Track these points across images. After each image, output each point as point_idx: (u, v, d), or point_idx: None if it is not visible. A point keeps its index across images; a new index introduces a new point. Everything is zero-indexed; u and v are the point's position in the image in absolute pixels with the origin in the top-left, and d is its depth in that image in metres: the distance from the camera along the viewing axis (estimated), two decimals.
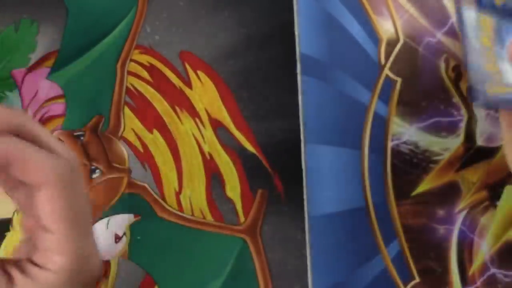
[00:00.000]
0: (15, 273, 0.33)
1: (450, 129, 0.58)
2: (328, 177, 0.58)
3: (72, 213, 0.33)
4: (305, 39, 0.60)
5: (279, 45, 0.60)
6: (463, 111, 0.59)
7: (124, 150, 0.58)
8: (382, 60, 0.60)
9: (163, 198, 0.57)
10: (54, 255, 0.33)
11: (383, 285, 0.55)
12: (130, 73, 0.60)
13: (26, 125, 0.33)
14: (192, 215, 0.56)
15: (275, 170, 0.57)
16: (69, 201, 0.33)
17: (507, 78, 0.39)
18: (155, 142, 0.58)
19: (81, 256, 0.34)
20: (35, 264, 0.33)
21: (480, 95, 0.41)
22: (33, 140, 0.32)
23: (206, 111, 0.59)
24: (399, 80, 0.59)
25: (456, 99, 0.59)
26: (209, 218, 0.56)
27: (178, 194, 0.57)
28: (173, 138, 0.58)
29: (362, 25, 0.60)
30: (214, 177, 0.58)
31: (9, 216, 0.56)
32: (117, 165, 0.57)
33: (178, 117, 0.58)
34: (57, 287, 0.33)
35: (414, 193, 0.58)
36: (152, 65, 0.60)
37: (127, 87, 0.59)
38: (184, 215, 0.56)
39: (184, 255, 0.56)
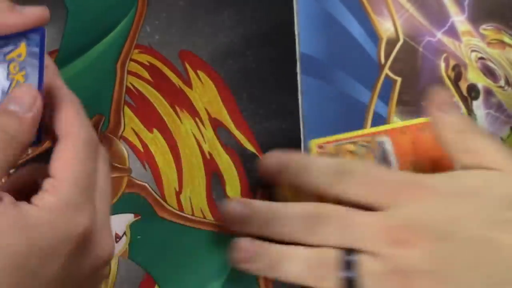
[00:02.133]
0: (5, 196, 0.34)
1: None
2: None
3: (80, 166, 0.35)
4: (305, 38, 0.60)
5: (279, 45, 0.60)
6: (463, 110, 0.59)
7: (124, 149, 0.58)
8: (382, 60, 0.60)
9: (163, 198, 0.57)
10: (45, 194, 0.34)
11: None
12: (130, 72, 0.60)
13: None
14: (192, 214, 0.56)
15: None
16: (83, 157, 0.35)
17: None
18: (155, 141, 0.58)
19: (72, 203, 0.34)
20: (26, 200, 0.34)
21: None
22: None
23: (206, 110, 0.59)
24: (399, 79, 0.59)
25: (456, 99, 0.59)
26: (210, 217, 0.56)
27: (178, 193, 0.57)
28: (173, 138, 0.58)
29: (362, 24, 0.60)
30: (214, 177, 0.58)
31: None
32: (117, 165, 0.57)
33: (178, 116, 0.58)
34: (33, 220, 0.33)
35: None
36: (152, 65, 0.60)
37: (127, 87, 0.59)
38: (184, 214, 0.56)
39: (184, 255, 0.56)
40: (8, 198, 0.34)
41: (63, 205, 0.34)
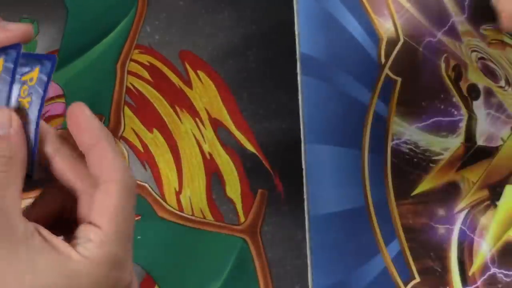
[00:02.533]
0: (51, 237, 0.32)
1: (450, 128, 0.58)
2: (328, 177, 0.58)
3: (123, 215, 0.33)
4: (305, 38, 0.60)
5: (279, 45, 0.60)
6: (463, 110, 0.59)
7: (124, 149, 0.58)
8: (382, 60, 0.60)
9: (163, 198, 0.57)
10: (92, 246, 0.32)
11: (383, 285, 0.55)
12: (130, 72, 0.60)
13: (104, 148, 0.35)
14: (192, 215, 0.56)
15: (275, 170, 0.57)
16: (125, 203, 0.33)
17: None
18: (155, 142, 0.58)
19: (117, 257, 0.33)
20: (70, 243, 0.32)
21: None
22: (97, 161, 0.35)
23: (206, 110, 0.59)
24: (399, 79, 0.59)
25: (456, 99, 0.59)
26: (209, 218, 0.56)
27: (178, 194, 0.57)
28: (173, 138, 0.58)
29: (362, 24, 0.60)
30: (214, 177, 0.58)
31: None
32: None
33: (178, 116, 0.58)
34: (79, 273, 0.32)
35: (414, 193, 0.58)
36: (152, 65, 0.60)
37: (127, 87, 0.59)
38: (184, 215, 0.56)
39: (184, 255, 0.56)
40: (45, 232, 0.32)
41: (110, 261, 0.32)
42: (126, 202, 0.34)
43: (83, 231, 0.33)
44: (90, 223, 0.33)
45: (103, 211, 0.33)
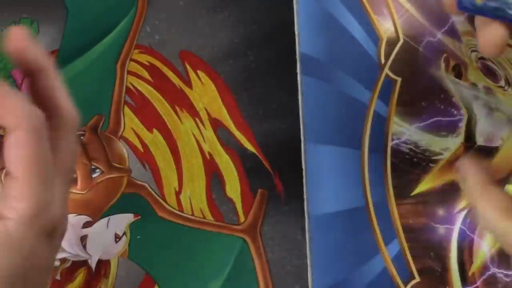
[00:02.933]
0: None
1: (450, 128, 0.58)
2: (328, 177, 0.58)
3: (37, 161, 0.34)
4: (305, 38, 0.60)
5: (279, 45, 0.60)
6: (463, 110, 0.59)
7: (124, 149, 0.58)
8: (382, 60, 0.60)
9: (163, 198, 0.57)
10: (16, 202, 0.33)
11: (383, 285, 0.55)
12: (130, 72, 0.60)
13: (49, 74, 0.36)
14: (192, 214, 0.56)
15: (275, 170, 0.57)
16: (36, 149, 0.34)
17: None
18: (155, 141, 0.58)
19: (42, 202, 0.34)
20: None
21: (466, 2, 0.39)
22: (44, 87, 0.36)
23: (206, 110, 0.59)
24: (399, 79, 0.59)
25: (456, 99, 0.59)
26: (209, 217, 0.56)
27: (178, 193, 0.57)
28: (173, 138, 0.58)
29: (362, 24, 0.60)
30: (214, 177, 0.58)
31: None
32: (117, 165, 0.57)
33: (178, 116, 0.58)
34: (16, 235, 0.33)
35: (414, 193, 0.58)
36: (152, 65, 0.60)
37: (127, 87, 0.59)
38: (184, 215, 0.56)
39: (184, 255, 0.56)
40: None
41: (35, 209, 0.33)
42: (38, 146, 0.34)
43: (7, 185, 0.34)
44: (10, 175, 0.34)
45: (15, 159, 0.34)
